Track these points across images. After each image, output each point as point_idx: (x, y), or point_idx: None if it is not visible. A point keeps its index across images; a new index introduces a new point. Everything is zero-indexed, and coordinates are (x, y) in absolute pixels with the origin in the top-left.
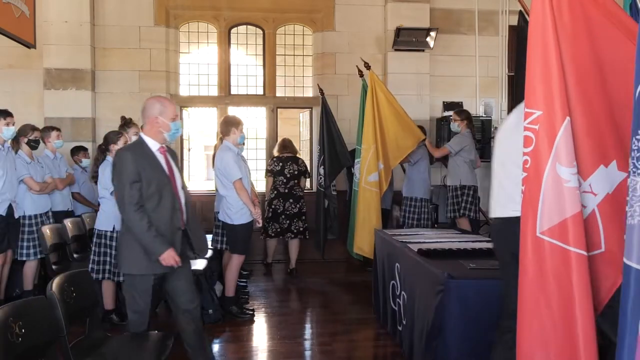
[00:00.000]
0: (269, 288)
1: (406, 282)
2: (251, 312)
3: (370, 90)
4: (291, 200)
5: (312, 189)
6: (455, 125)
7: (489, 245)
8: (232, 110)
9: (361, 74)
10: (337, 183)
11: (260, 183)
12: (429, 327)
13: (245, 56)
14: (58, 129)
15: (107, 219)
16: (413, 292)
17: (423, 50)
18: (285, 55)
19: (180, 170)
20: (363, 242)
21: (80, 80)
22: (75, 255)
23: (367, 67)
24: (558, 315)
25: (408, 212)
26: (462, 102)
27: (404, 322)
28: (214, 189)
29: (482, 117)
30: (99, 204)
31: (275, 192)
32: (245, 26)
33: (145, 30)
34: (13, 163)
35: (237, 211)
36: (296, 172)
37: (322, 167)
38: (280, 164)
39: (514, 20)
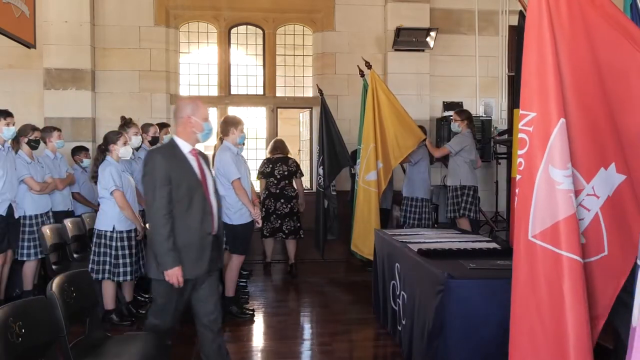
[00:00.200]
0: (269, 288)
1: (406, 282)
2: (251, 312)
3: (371, 89)
4: (282, 201)
5: (312, 189)
6: (455, 126)
7: (489, 245)
8: (232, 110)
9: (362, 74)
10: (339, 183)
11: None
12: (429, 327)
13: (245, 56)
14: (59, 129)
15: (107, 219)
16: (413, 292)
17: (423, 50)
18: (285, 55)
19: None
20: (360, 242)
21: (80, 80)
22: (75, 255)
23: (369, 66)
24: (549, 321)
25: (409, 212)
26: (462, 102)
27: (404, 322)
28: None
29: (482, 117)
30: (98, 204)
31: (267, 192)
32: (245, 26)
33: (145, 30)
34: (13, 163)
35: (236, 211)
36: (286, 173)
37: (321, 167)
38: (270, 165)
39: (514, 20)
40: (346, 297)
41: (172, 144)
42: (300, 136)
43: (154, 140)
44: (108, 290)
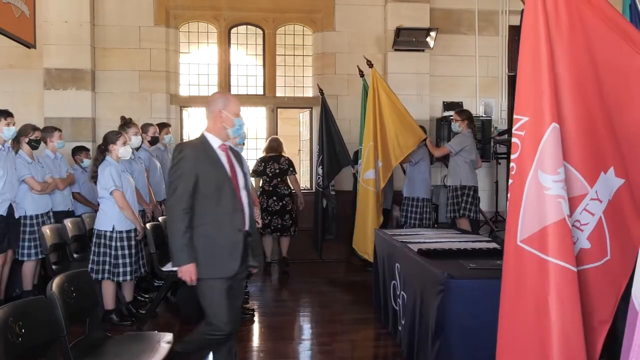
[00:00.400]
0: (269, 288)
1: (406, 282)
2: (251, 312)
3: (372, 88)
4: (274, 198)
5: (311, 189)
6: (456, 126)
7: (489, 245)
8: None
9: (362, 74)
10: (340, 183)
11: None
12: (429, 327)
13: (245, 56)
14: (59, 130)
15: (107, 219)
16: (413, 292)
17: (423, 50)
18: (285, 55)
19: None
20: (359, 241)
21: (80, 80)
22: (75, 255)
23: (370, 65)
24: (534, 329)
25: (409, 212)
26: (462, 102)
27: (403, 322)
28: None
29: (482, 117)
30: (98, 204)
31: (261, 189)
32: (245, 26)
33: (145, 30)
34: (13, 163)
35: None
36: (277, 171)
37: (320, 166)
38: (263, 164)
39: (514, 20)
40: (346, 297)
41: (202, 139)
42: (300, 136)
43: (154, 140)
44: (108, 290)
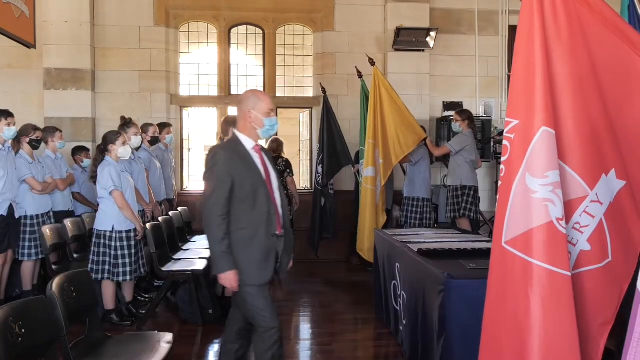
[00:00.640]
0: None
1: (406, 282)
2: None
3: (373, 86)
4: None
5: (311, 189)
6: (456, 126)
7: (489, 245)
8: (232, 110)
9: (360, 75)
10: (342, 183)
11: None
12: (430, 327)
13: (245, 56)
14: (60, 130)
15: (106, 219)
16: (413, 292)
17: (423, 50)
18: (285, 55)
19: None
20: (359, 240)
21: (80, 80)
22: (75, 255)
23: (372, 63)
24: (515, 331)
25: (410, 212)
26: (462, 102)
27: (405, 322)
28: None
29: (482, 117)
30: (98, 204)
31: None
32: (245, 26)
33: (145, 30)
34: (14, 163)
35: None
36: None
37: (320, 165)
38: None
39: (514, 20)
40: (346, 297)
41: (235, 140)
42: (300, 136)
43: (154, 140)
44: (108, 290)
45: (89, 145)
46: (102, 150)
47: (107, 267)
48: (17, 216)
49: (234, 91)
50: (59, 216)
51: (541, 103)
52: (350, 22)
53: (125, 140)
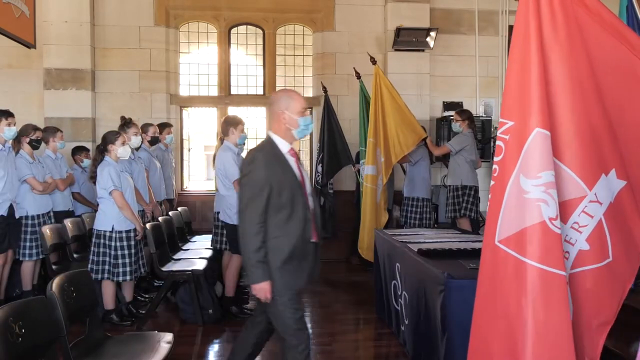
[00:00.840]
0: None
1: (407, 282)
2: (251, 312)
3: (374, 85)
4: None
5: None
6: (457, 126)
7: None
8: (232, 110)
9: (358, 76)
10: (343, 183)
11: None
12: (432, 327)
13: (245, 56)
14: (61, 131)
15: (106, 219)
16: (414, 292)
17: (423, 50)
18: (285, 55)
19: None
20: (361, 240)
21: (80, 80)
22: (75, 255)
23: (373, 62)
24: (505, 327)
25: (410, 212)
26: (462, 102)
27: (407, 322)
28: (214, 189)
29: (482, 117)
30: (98, 204)
31: None
32: (245, 26)
33: (145, 30)
34: (14, 163)
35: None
36: None
37: (320, 164)
38: None
39: (514, 20)
40: (346, 297)
41: (271, 143)
42: None
43: (154, 140)
44: (108, 290)
45: (89, 145)
46: (102, 150)
47: (107, 267)
48: (18, 216)
49: (234, 91)
50: (59, 216)
51: (536, 104)
52: (350, 22)
53: (125, 140)
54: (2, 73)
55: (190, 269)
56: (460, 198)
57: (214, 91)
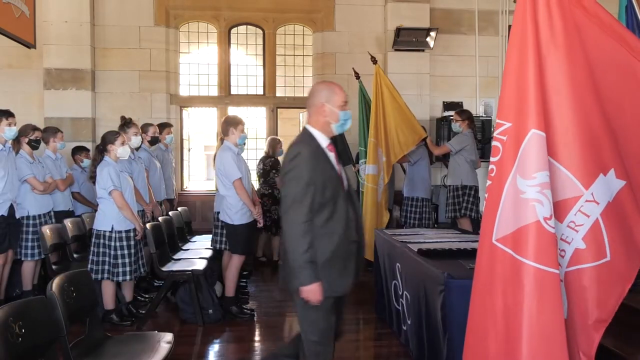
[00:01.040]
0: (269, 288)
1: (408, 282)
2: (251, 312)
3: (375, 84)
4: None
5: None
6: (457, 126)
7: None
8: (232, 110)
9: (357, 77)
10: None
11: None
12: (434, 327)
13: (245, 56)
14: (61, 131)
15: (106, 219)
16: (415, 292)
17: (423, 50)
18: (285, 55)
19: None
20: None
21: (80, 80)
22: (75, 255)
23: (374, 61)
24: (501, 324)
25: (410, 212)
26: (462, 102)
27: (409, 322)
28: (214, 189)
29: (482, 117)
30: (98, 204)
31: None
32: (245, 26)
33: (145, 30)
34: (14, 163)
35: (237, 211)
36: (261, 171)
37: None
38: (261, 164)
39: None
40: (346, 296)
41: (311, 136)
42: None
43: (154, 140)
44: (108, 290)
45: (89, 145)
46: (101, 150)
47: (106, 267)
48: (19, 216)
49: (234, 91)
50: (59, 216)
51: (533, 106)
52: (350, 22)
53: (124, 140)
54: (2, 73)
55: (190, 269)
56: (460, 198)
57: (214, 91)
